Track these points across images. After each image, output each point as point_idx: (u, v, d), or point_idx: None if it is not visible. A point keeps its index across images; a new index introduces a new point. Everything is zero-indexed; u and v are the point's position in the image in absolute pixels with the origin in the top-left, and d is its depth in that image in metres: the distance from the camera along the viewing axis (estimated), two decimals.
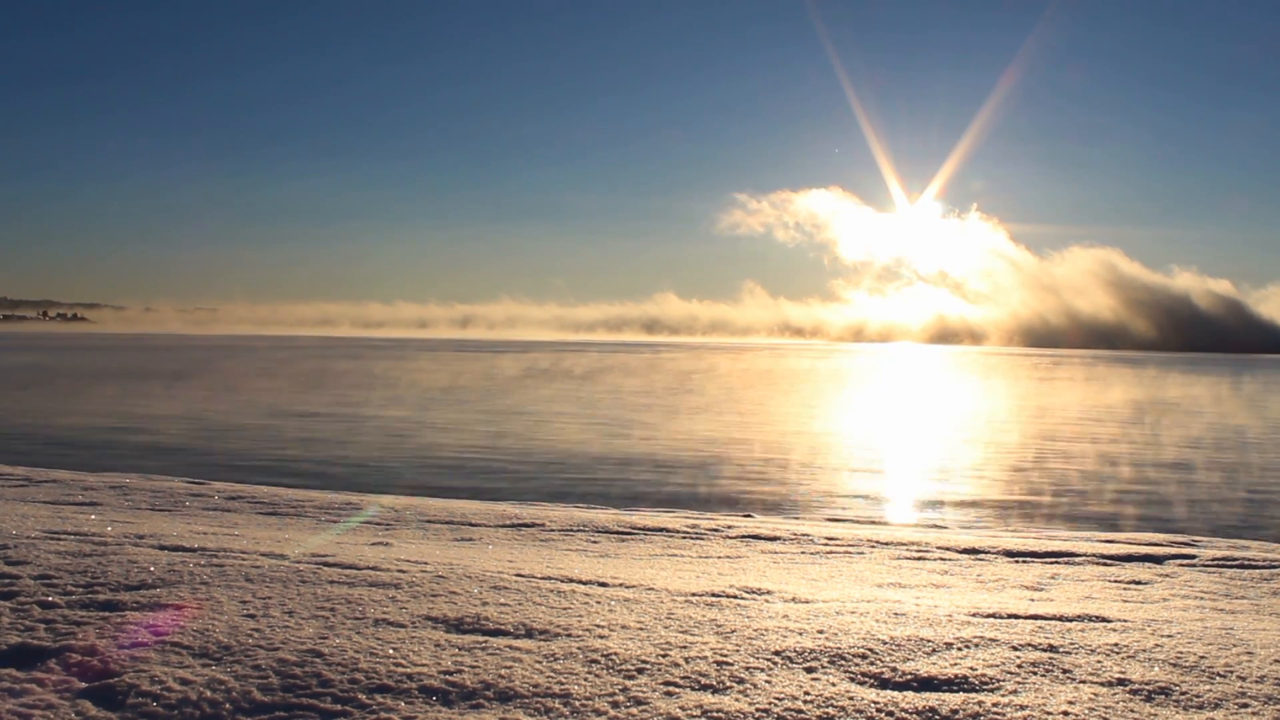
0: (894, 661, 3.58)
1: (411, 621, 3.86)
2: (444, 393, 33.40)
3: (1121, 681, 3.44)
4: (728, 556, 6.89)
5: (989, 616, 4.43)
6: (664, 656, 3.52)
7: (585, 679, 3.29)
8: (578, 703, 3.11)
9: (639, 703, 3.11)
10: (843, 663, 3.54)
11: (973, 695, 3.26)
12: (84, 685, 3.12)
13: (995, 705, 3.16)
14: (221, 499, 9.00)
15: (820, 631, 3.94)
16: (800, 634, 3.89)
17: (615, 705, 3.09)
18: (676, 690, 3.23)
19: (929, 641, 3.83)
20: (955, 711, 3.11)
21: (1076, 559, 7.20)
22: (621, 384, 40.02)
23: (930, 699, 3.20)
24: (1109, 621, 4.44)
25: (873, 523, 10.32)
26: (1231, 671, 3.59)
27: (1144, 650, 3.83)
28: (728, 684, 3.29)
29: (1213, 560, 7.22)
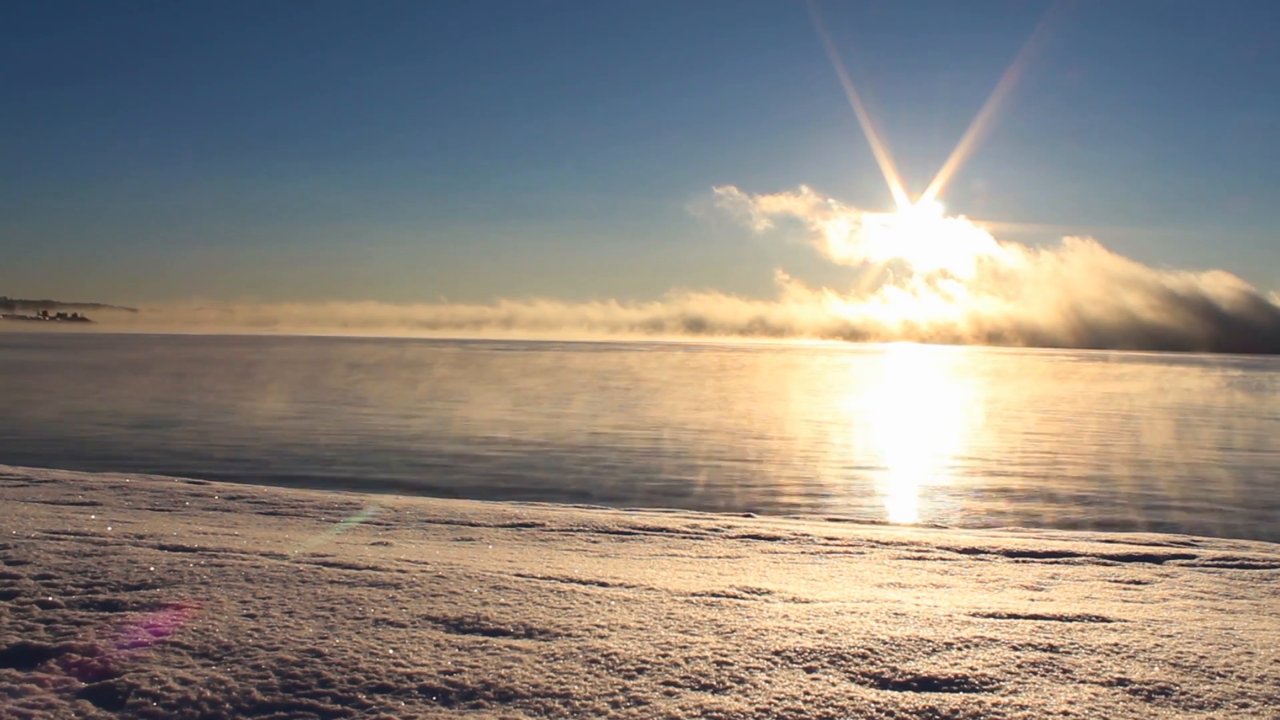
0: (894, 661, 3.58)
1: (411, 621, 3.86)
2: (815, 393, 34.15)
3: (1121, 681, 3.44)
4: (728, 556, 6.88)
5: (989, 616, 4.43)
6: (664, 656, 3.52)
7: (585, 679, 3.29)
8: (578, 703, 3.11)
9: (639, 703, 3.11)
10: (843, 663, 3.54)
11: (973, 695, 3.26)
12: (84, 685, 3.12)
13: (995, 705, 3.16)
14: (221, 499, 9.00)
15: (820, 631, 3.94)
16: (800, 634, 3.89)
17: (615, 705, 3.09)
18: (676, 690, 3.23)
19: (929, 641, 3.83)
20: (955, 711, 3.11)
21: (1076, 559, 7.19)
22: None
23: (930, 699, 3.20)
24: (1109, 621, 4.44)
25: (873, 523, 10.32)
26: (1231, 671, 3.59)
27: (1144, 650, 3.83)
28: (728, 684, 3.29)
29: (1213, 560, 7.22)
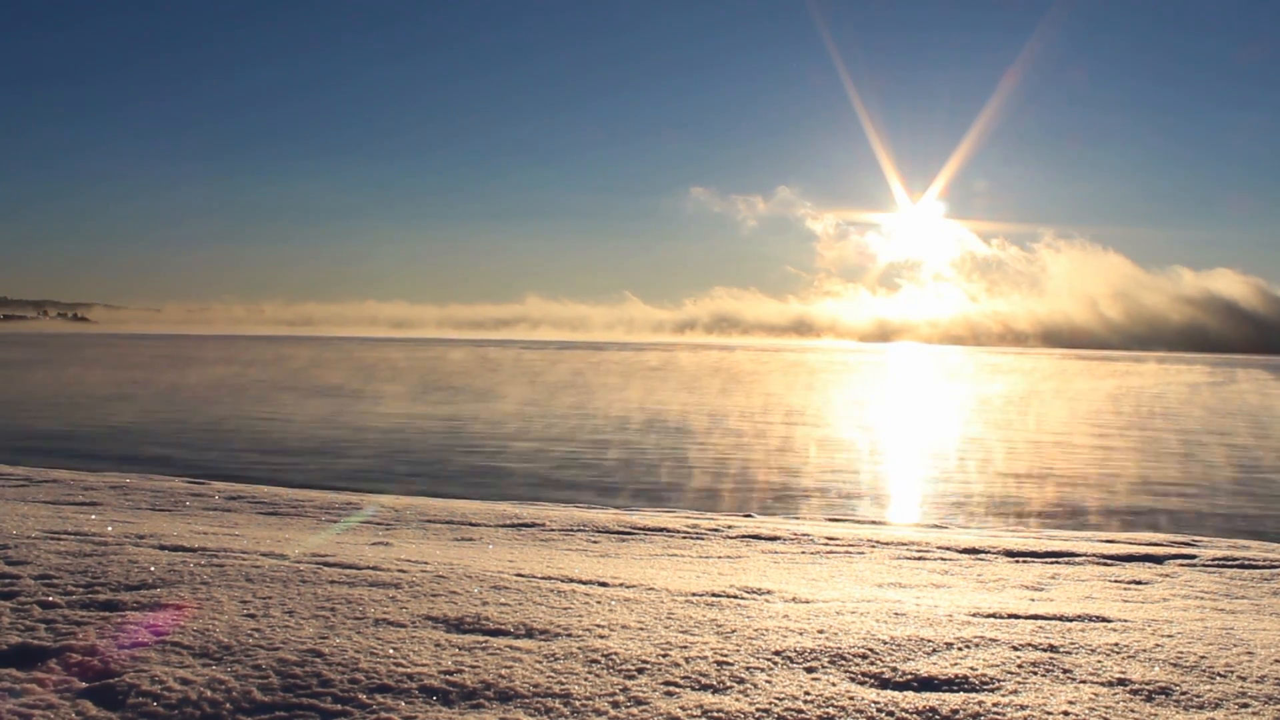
0: (894, 661, 3.58)
1: (412, 621, 3.86)
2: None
3: (1121, 681, 3.44)
4: (728, 556, 6.89)
5: (989, 616, 4.43)
6: (664, 656, 3.52)
7: (585, 679, 3.29)
8: (578, 703, 3.11)
9: (639, 703, 3.11)
10: (843, 663, 3.54)
11: (973, 695, 3.26)
12: (84, 685, 3.12)
13: (995, 705, 3.16)
14: (221, 499, 9.00)
15: (820, 631, 3.94)
16: (800, 634, 3.89)
17: (615, 705, 3.09)
18: (677, 690, 3.23)
19: (929, 641, 3.83)
20: (955, 711, 3.11)
21: (1076, 559, 7.20)
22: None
23: (930, 699, 3.20)
24: (1109, 621, 4.44)
25: (873, 523, 10.32)
26: (1232, 671, 3.59)
27: (1144, 650, 3.83)
28: (728, 684, 3.29)
29: (1213, 560, 7.22)
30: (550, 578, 4.88)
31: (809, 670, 3.46)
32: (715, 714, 3.03)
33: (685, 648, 3.63)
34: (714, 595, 4.69)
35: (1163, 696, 3.32)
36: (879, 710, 3.10)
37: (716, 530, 8.17)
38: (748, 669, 3.43)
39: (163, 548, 5.22)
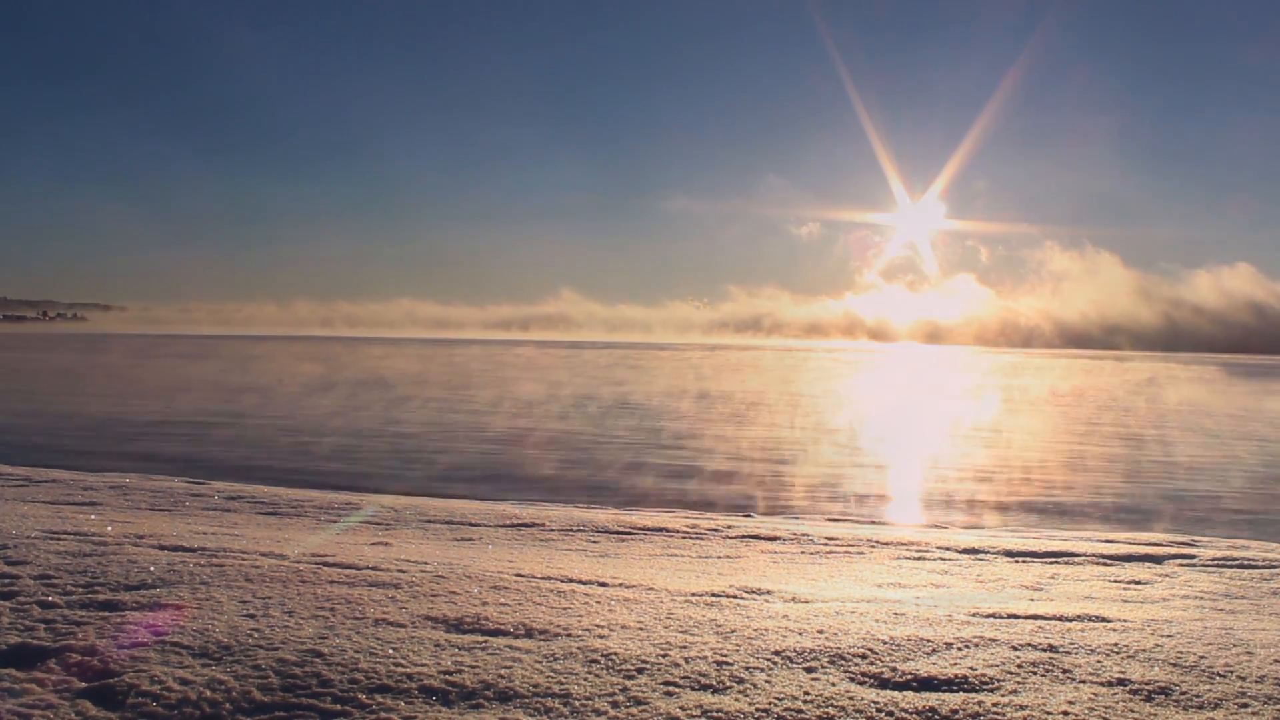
0: (894, 661, 3.58)
1: (411, 621, 3.86)
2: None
3: (1121, 681, 3.44)
4: (727, 556, 6.89)
5: (989, 616, 4.43)
6: (664, 656, 3.52)
7: (585, 679, 3.29)
8: (578, 703, 3.11)
9: (639, 703, 3.11)
10: (843, 663, 3.54)
11: (973, 695, 3.26)
12: (84, 685, 3.12)
13: (995, 705, 3.16)
14: (221, 499, 9.00)
15: (820, 631, 3.94)
16: (800, 634, 3.89)
17: (615, 705, 3.09)
18: (676, 690, 3.23)
19: (929, 641, 3.83)
20: (955, 711, 3.11)
21: (1076, 559, 7.20)
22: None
23: (930, 699, 3.20)
24: (1109, 621, 4.44)
25: (873, 523, 10.32)
26: (1231, 671, 3.59)
27: (1144, 650, 3.83)
28: (728, 684, 3.29)
29: (1212, 560, 7.22)
30: (550, 578, 4.88)
31: (809, 670, 3.46)
32: (715, 714, 3.03)
33: (685, 648, 3.63)
34: (714, 595, 4.69)
35: (1162, 696, 3.32)
36: (879, 710, 3.10)
37: (716, 530, 8.17)
38: (747, 669, 3.43)
39: (162, 548, 5.22)
